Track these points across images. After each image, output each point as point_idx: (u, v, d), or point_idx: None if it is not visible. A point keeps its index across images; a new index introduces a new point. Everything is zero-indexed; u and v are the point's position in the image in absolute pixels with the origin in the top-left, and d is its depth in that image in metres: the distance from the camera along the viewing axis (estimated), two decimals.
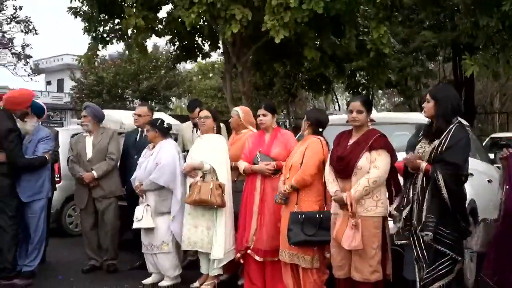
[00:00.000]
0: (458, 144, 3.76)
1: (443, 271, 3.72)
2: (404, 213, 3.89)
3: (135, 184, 5.64)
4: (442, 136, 3.80)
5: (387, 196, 4.24)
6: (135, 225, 5.53)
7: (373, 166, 4.15)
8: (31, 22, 22.36)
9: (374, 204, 4.16)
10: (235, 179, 5.49)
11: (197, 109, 6.34)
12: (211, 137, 5.52)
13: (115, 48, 49.71)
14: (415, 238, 3.79)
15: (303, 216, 4.55)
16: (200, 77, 32.05)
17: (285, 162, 4.93)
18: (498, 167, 6.47)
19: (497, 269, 3.98)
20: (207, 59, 15.67)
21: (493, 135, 16.64)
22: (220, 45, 13.54)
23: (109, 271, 6.00)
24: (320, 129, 4.86)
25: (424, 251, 3.75)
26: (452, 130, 3.80)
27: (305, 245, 4.56)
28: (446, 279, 3.73)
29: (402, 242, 3.91)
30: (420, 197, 3.81)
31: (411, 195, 3.88)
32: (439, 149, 3.78)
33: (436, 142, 3.80)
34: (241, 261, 5.22)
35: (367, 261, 4.14)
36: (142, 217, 5.45)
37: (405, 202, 3.93)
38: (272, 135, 5.28)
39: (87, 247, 6.20)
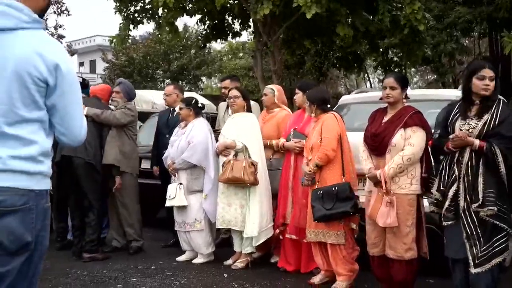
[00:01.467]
0: (509, 118, 3.66)
1: (500, 247, 3.62)
2: (451, 192, 3.75)
3: (167, 163, 5.69)
4: (492, 111, 3.68)
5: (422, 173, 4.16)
6: (168, 203, 5.60)
7: (407, 143, 4.10)
8: (64, 3, 22.60)
9: (409, 181, 4.12)
10: (270, 157, 5.50)
11: (228, 80, 6.42)
12: (243, 116, 5.53)
13: (145, 28, 50.00)
14: (467, 215, 3.67)
15: (321, 192, 4.58)
16: (230, 56, 31.99)
17: (305, 144, 4.93)
18: None
19: None
20: (237, 38, 15.58)
21: None
22: (251, 23, 13.45)
23: (130, 253, 5.91)
24: (328, 105, 4.87)
25: (478, 228, 3.63)
26: (500, 105, 3.70)
27: (327, 220, 4.58)
28: (503, 255, 3.64)
29: (449, 222, 3.79)
30: (469, 174, 3.68)
31: (456, 173, 3.75)
32: (491, 124, 3.66)
33: (487, 116, 3.68)
34: (280, 237, 5.26)
35: (401, 239, 4.12)
36: (175, 195, 5.51)
37: (447, 181, 3.79)
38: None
39: (111, 226, 6.22)
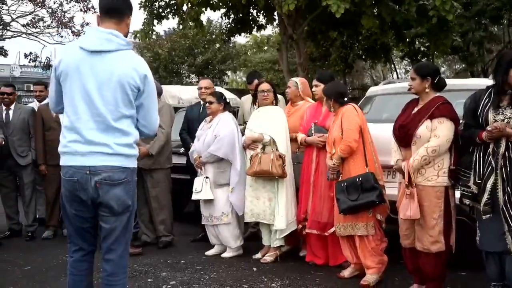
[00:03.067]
0: None
1: None
2: (489, 185, 3.68)
3: (194, 157, 5.71)
4: None
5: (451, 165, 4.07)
6: (194, 197, 5.60)
7: (433, 134, 4.02)
8: (90, 1, 22.80)
9: (435, 173, 4.04)
10: (296, 150, 5.47)
11: (256, 81, 6.31)
12: (269, 109, 5.52)
13: (170, 24, 50.26)
14: (509, 208, 3.59)
15: (345, 184, 4.56)
16: (255, 50, 31.97)
17: (327, 139, 4.90)
18: None
19: None
20: (262, 31, 15.58)
21: None
22: (276, 16, 13.41)
23: (160, 248, 5.94)
24: (345, 99, 4.83)
25: None
26: None
27: (353, 212, 4.55)
28: None
29: (488, 216, 3.70)
30: (507, 165, 3.60)
31: (493, 164, 3.67)
32: None
33: None
34: (304, 232, 5.24)
35: (427, 231, 4.06)
36: (201, 188, 5.53)
37: (483, 173, 3.71)
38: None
39: (139, 220, 6.19)
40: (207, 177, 5.57)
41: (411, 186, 4.04)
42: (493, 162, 3.67)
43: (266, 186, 5.33)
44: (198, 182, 5.61)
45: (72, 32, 22.15)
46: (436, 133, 4.02)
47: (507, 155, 3.61)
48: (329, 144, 4.84)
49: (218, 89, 8.74)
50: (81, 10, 22.93)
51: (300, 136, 5.30)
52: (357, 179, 4.52)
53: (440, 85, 4.22)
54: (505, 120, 3.64)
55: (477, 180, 3.75)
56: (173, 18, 13.36)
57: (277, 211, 5.28)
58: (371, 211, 4.59)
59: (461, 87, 5.55)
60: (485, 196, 3.68)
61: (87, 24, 23.11)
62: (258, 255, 5.51)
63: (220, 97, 5.75)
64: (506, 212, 3.61)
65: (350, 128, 4.62)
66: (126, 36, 3.04)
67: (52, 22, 19.36)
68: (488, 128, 3.65)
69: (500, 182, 3.63)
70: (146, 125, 3.03)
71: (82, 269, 3.15)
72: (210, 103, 5.73)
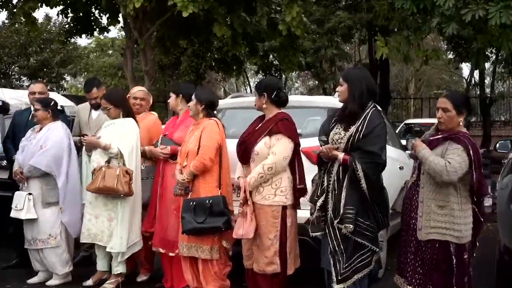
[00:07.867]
0: (375, 131, 3.74)
1: (362, 263, 3.76)
2: (319, 203, 3.88)
3: (14, 169, 5.36)
4: (358, 123, 3.76)
5: (291, 184, 4.26)
6: (14, 214, 5.24)
7: (271, 152, 4.18)
8: None
9: (273, 192, 4.20)
10: (141, 165, 5.36)
11: (95, 89, 6.11)
12: (123, 121, 5.25)
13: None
14: (331, 230, 3.79)
15: (194, 203, 4.55)
16: (98, 53, 31.08)
17: (180, 149, 4.90)
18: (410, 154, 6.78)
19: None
20: (106, 33, 15.21)
21: (407, 121, 17.45)
22: (121, 18, 13.17)
23: None
24: (214, 111, 4.88)
25: (341, 244, 3.75)
26: (368, 115, 3.77)
27: (196, 234, 4.55)
28: (365, 271, 3.78)
29: (318, 233, 3.92)
30: (336, 187, 3.80)
31: (325, 184, 3.88)
32: (356, 137, 3.75)
33: (353, 129, 3.77)
34: (153, 249, 5.19)
35: (263, 252, 4.21)
36: (23, 207, 5.20)
37: (319, 191, 3.92)
38: (182, 118, 5.27)
39: None
40: (30, 194, 5.25)
41: (246, 204, 4.15)
42: (325, 182, 3.89)
43: (108, 204, 5.11)
44: (19, 198, 5.26)
45: None
46: (273, 150, 4.18)
47: (336, 177, 3.82)
48: (181, 155, 4.78)
49: (53, 95, 8.33)
50: None
51: (147, 148, 5.27)
52: (207, 201, 4.51)
53: (281, 101, 4.39)
54: (339, 140, 3.84)
55: (314, 198, 3.95)
56: (1, 11, 12.57)
57: (116, 231, 5.07)
58: (217, 234, 4.62)
59: (313, 104, 5.78)
60: (315, 214, 3.90)
61: None
62: (89, 282, 5.29)
63: (47, 104, 5.49)
64: (329, 234, 3.82)
65: (208, 145, 4.59)
66: None
67: None
68: (319, 150, 3.89)
69: (330, 203, 3.83)
70: None
71: None
72: (36, 110, 5.45)
